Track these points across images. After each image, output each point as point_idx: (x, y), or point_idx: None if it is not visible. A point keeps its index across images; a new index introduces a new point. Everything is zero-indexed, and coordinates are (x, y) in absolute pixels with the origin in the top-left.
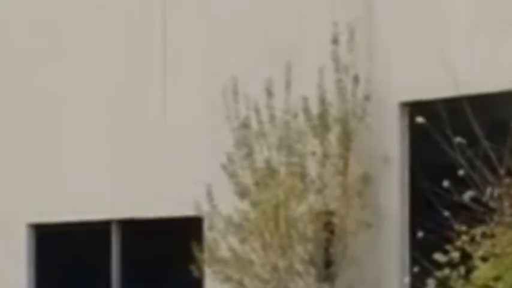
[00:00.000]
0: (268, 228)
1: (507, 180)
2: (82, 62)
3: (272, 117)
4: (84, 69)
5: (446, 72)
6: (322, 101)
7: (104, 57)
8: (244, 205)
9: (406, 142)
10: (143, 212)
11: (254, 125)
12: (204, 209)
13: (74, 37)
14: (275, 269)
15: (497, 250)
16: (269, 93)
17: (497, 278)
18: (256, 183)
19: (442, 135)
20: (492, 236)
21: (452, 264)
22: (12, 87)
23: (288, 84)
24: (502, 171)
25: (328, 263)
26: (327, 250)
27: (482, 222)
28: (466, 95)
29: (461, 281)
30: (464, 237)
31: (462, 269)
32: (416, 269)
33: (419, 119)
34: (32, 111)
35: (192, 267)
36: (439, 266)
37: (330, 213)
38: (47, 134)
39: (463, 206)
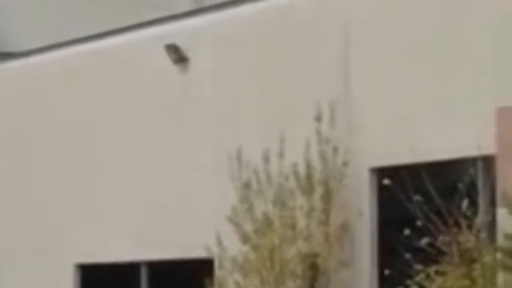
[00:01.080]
0: (265, 267)
1: (454, 230)
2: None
3: (268, 179)
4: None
5: (407, 143)
6: (308, 167)
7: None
8: (246, 248)
9: (375, 199)
10: (166, 255)
11: (254, 185)
12: (215, 252)
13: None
14: None
15: (448, 285)
16: (266, 160)
17: None
18: (256, 231)
19: (404, 194)
20: (443, 273)
21: None
22: (58, 158)
23: (281, 154)
24: (450, 223)
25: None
26: (312, 285)
27: (435, 262)
28: (423, 161)
29: None
30: (422, 275)
31: None
32: None
33: (385, 181)
34: (77, 176)
35: None
36: None
37: (315, 255)
38: (89, 191)
39: (420, 250)
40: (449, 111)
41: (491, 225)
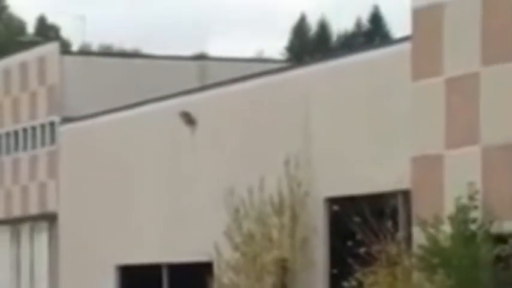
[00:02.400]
0: (250, 268)
1: (383, 242)
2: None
3: (252, 206)
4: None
5: (351, 181)
6: (280, 196)
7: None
8: (236, 255)
9: (327, 220)
10: (180, 259)
11: (241, 210)
12: (214, 257)
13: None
14: None
15: (377, 280)
16: (250, 193)
17: None
18: (243, 242)
19: (348, 217)
20: (375, 272)
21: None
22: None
23: (261, 188)
24: (380, 237)
25: (283, 286)
26: (282, 281)
27: (370, 264)
28: (362, 193)
29: None
30: (360, 273)
31: None
32: None
33: (335, 207)
34: (121, 201)
35: None
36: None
37: (285, 260)
38: (128, 212)
39: (359, 256)
40: (380, 160)
41: (408, 238)
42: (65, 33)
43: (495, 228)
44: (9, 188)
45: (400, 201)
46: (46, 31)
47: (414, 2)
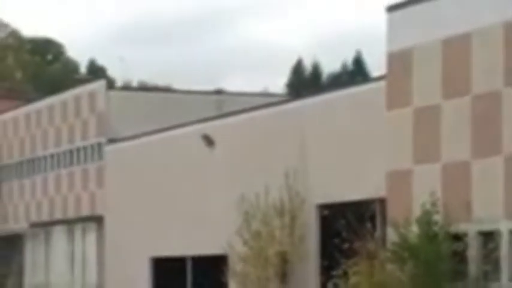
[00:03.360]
0: (257, 259)
1: (364, 239)
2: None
3: (259, 209)
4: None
5: (338, 190)
6: (281, 203)
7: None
8: (246, 249)
9: (319, 222)
10: (201, 252)
11: (251, 212)
12: (228, 251)
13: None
14: (260, 277)
15: (359, 270)
16: (257, 199)
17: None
18: (251, 239)
19: (335, 219)
20: (357, 264)
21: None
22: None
23: (266, 195)
24: (361, 235)
25: (284, 274)
26: (283, 270)
27: (353, 258)
28: (347, 200)
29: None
30: (345, 265)
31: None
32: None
33: (325, 212)
34: (159, 205)
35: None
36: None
37: (285, 253)
38: (162, 214)
39: (344, 251)
40: (361, 174)
41: (384, 237)
42: (110, 72)
43: (452, 229)
44: (66, 195)
45: (377, 207)
46: (95, 71)
47: (389, 47)
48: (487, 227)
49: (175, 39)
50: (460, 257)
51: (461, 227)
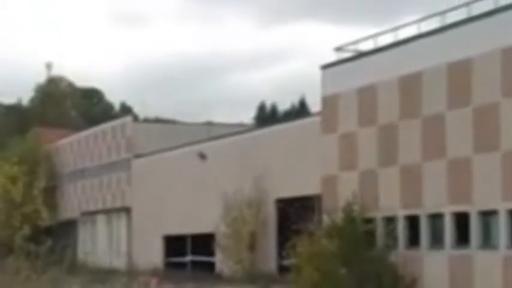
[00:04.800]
0: (235, 237)
1: (307, 223)
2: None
3: (236, 203)
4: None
5: (290, 189)
6: (251, 198)
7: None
8: (228, 229)
9: (277, 211)
10: (197, 231)
11: (230, 205)
12: (217, 230)
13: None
14: (236, 248)
15: (303, 243)
16: (235, 195)
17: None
18: (232, 222)
19: (289, 210)
20: (302, 239)
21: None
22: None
23: (241, 193)
24: (306, 220)
25: (252, 246)
26: (252, 243)
27: (300, 235)
28: (296, 195)
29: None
30: (294, 240)
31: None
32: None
33: (280, 204)
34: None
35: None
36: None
37: (254, 232)
38: (168, 202)
39: (294, 230)
40: (306, 178)
41: (320, 220)
42: (136, 109)
43: (366, 215)
44: (105, 193)
45: (315, 200)
46: (126, 110)
47: (322, 93)
48: (388, 213)
49: (180, 84)
50: (371, 235)
51: (371, 214)
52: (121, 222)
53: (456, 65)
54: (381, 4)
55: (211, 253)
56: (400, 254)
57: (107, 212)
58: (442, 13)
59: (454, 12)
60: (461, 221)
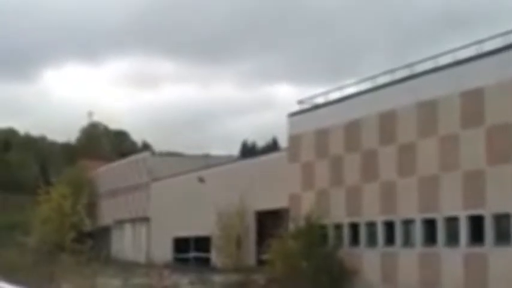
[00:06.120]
0: (225, 238)
1: (279, 229)
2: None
3: (227, 213)
4: None
5: (266, 203)
6: (238, 210)
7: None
8: (220, 233)
9: (256, 220)
10: (197, 234)
11: (222, 215)
12: (212, 233)
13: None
14: (227, 247)
15: (276, 243)
16: (227, 208)
17: (275, 249)
18: (223, 228)
19: (264, 219)
20: (275, 241)
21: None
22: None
23: (230, 206)
24: (278, 228)
25: (239, 245)
26: (239, 242)
27: (274, 238)
28: (269, 208)
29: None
30: (269, 242)
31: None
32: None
33: (259, 215)
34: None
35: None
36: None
37: (239, 235)
38: (175, 213)
39: (269, 234)
40: (277, 196)
41: (287, 227)
42: (155, 146)
43: (321, 222)
44: (131, 207)
45: (285, 212)
46: (146, 146)
47: (289, 133)
48: (337, 221)
49: (186, 127)
50: (324, 236)
51: (325, 222)
52: (142, 228)
53: (384, 114)
54: (331, 70)
55: (208, 251)
56: (345, 251)
57: (132, 220)
58: (374, 77)
59: (382, 77)
60: (389, 226)
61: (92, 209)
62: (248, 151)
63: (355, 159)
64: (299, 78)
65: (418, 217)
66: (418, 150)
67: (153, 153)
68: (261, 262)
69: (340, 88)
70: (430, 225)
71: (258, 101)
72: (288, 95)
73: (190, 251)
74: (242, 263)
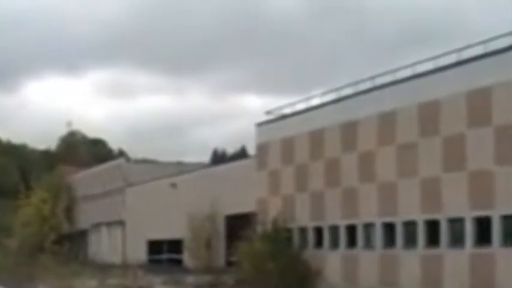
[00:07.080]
0: (197, 240)
1: (247, 232)
2: None
3: (200, 218)
4: None
5: (236, 207)
6: (210, 215)
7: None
8: (191, 235)
9: (226, 224)
10: (171, 237)
11: (195, 219)
12: (185, 236)
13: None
14: (197, 248)
15: (244, 245)
16: (199, 213)
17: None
18: (194, 230)
19: (234, 223)
20: (244, 243)
21: (235, 247)
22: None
23: (202, 212)
24: (246, 230)
25: (209, 246)
26: (209, 244)
27: (242, 241)
28: (241, 212)
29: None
30: (237, 243)
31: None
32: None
33: (229, 219)
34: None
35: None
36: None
37: (209, 238)
38: (150, 217)
39: (238, 236)
40: (246, 201)
41: (256, 230)
42: (131, 153)
43: (287, 226)
44: (107, 211)
45: (253, 216)
46: (121, 153)
47: (257, 142)
48: (302, 225)
49: (159, 135)
50: (289, 240)
51: (290, 225)
52: (118, 231)
53: (347, 124)
54: (298, 81)
55: (180, 252)
56: (310, 253)
57: (108, 224)
58: (338, 89)
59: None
60: (350, 229)
61: (70, 212)
62: (219, 158)
63: (319, 167)
64: (267, 89)
65: (378, 221)
66: (378, 158)
67: (128, 159)
68: (230, 263)
69: (306, 99)
70: (389, 229)
71: (228, 111)
72: (256, 105)
73: (164, 252)
74: (212, 264)
